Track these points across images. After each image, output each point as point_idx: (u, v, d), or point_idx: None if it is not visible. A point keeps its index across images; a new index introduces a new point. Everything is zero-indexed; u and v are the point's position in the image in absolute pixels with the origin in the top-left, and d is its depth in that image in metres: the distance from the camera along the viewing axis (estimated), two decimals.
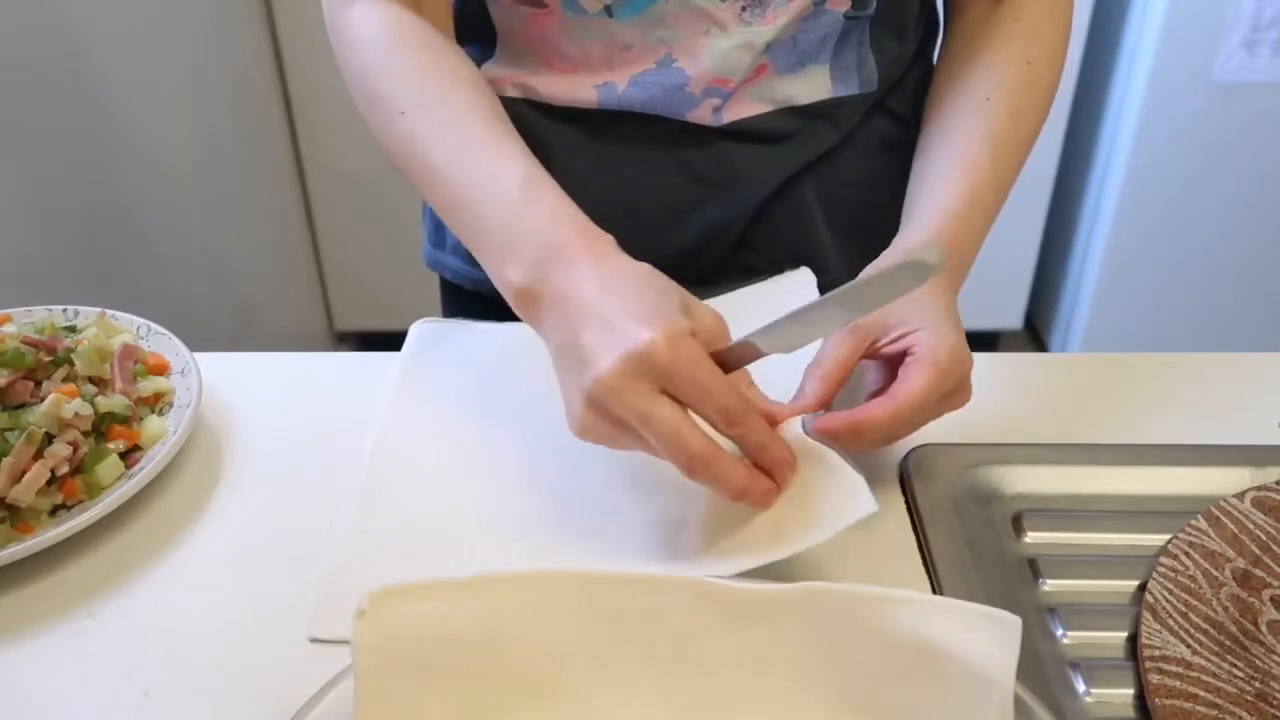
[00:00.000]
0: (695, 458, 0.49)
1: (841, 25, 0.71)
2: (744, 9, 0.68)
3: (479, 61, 0.75)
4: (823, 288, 0.81)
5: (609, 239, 0.57)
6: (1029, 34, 0.70)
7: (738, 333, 0.68)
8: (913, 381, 0.55)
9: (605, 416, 0.51)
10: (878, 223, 0.73)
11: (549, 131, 0.75)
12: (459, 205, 0.61)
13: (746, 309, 0.72)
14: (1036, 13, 0.71)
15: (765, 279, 0.76)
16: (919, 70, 0.80)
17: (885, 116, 0.78)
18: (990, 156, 0.65)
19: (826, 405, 0.56)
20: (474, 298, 0.83)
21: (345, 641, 0.43)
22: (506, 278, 0.57)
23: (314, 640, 0.53)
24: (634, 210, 0.76)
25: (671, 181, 0.76)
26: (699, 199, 0.76)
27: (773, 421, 0.54)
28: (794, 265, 0.79)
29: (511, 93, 0.75)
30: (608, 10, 0.68)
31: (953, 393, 0.56)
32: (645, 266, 0.55)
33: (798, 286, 0.74)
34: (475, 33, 0.74)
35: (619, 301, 0.52)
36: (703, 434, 0.50)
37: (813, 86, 0.74)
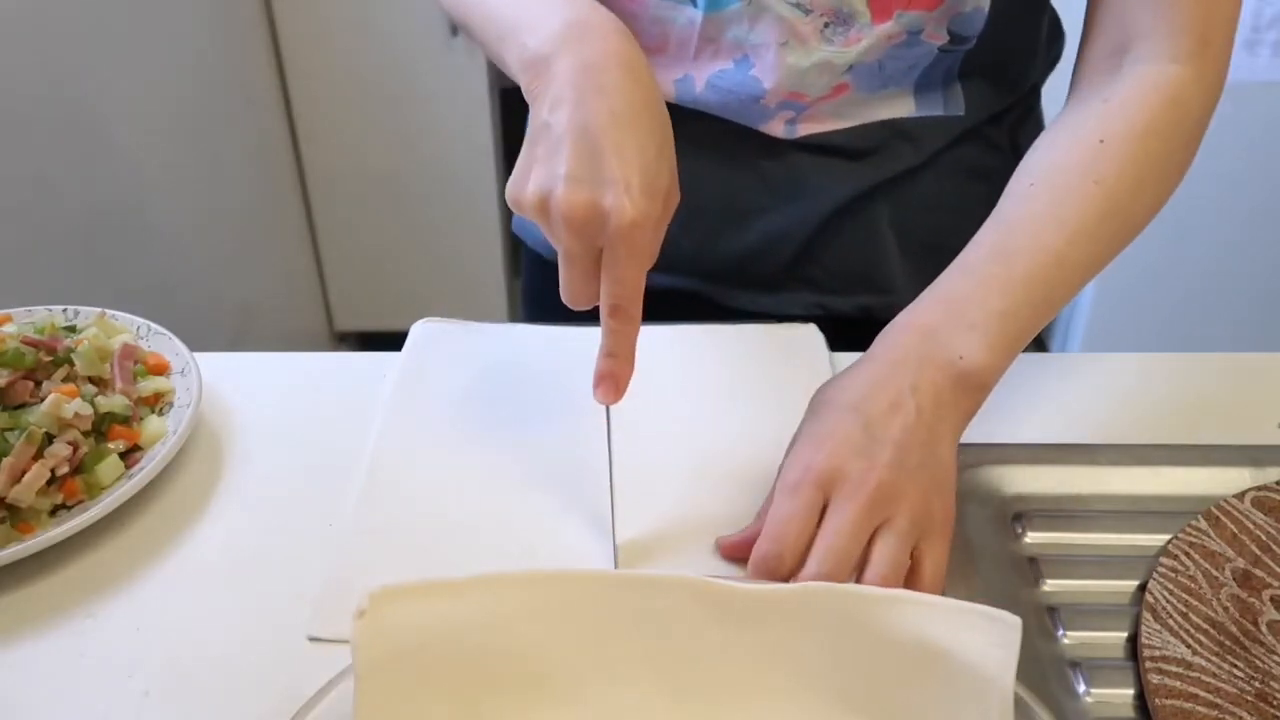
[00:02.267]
0: (574, 302, 0.52)
1: (934, 56, 0.70)
2: (826, 25, 0.67)
3: None
4: (885, 308, 0.77)
5: (644, 57, 0.53)
6: (1113, 111, 0.60)
7: (740, 370, 0.67)
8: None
9: (544, 216, 0.51)
10: (958, 249, 0.64)
11: None
12: (504, 22, 0.58)
13: (748, 347, 0.72)
14: (1129, 91, 0.60)
15: (776, 324, 0.75)
16: (1026, 105, 0.78)
17: (978, 144, 0.76)
18: (988, 247, 0.59)
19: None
20: (554, 268, 0.80)
21: (345, 641, 0.43)
22: (524, 45, 0.54)
23: (314, 640, 0.53)
24: (698, 209, 0.73)
25: (738, 185, 0.75)
26: (764, 205, 0.76)
27: None
28: (858, 281, 0.78)
29: None
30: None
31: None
32: (659, 98, 0.52)
33: (805, 342, 0.73)
34: None
35: (626, 136, 0.49)
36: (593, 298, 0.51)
37: (894, 108, 0.72)
